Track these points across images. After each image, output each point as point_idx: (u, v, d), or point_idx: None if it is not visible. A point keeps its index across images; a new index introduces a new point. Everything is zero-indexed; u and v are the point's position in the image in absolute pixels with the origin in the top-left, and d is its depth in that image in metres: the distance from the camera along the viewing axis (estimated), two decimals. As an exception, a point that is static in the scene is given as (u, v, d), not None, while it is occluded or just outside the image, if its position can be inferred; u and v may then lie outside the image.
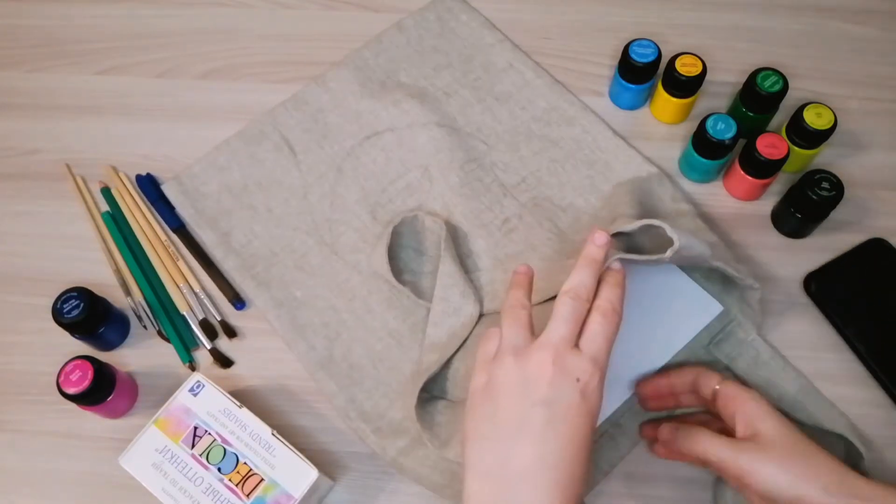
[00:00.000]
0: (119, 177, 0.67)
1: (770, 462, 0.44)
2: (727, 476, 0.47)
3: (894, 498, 0.43)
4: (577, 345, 0.44)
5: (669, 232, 0.48)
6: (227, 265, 0.63)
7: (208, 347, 0.60)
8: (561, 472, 0.41)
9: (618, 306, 0.46)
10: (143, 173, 0.67)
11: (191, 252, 0.63)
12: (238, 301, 0.61)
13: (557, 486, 0.41)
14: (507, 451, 0.42)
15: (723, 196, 0.66)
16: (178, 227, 0.65)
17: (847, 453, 0.53)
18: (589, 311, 0.46)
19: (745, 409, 0.47)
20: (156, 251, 0.63)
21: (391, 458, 0.54)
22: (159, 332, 0.61)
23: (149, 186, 0.66)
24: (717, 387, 0.49)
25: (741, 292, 0.57)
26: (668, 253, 0.47)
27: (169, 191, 0.66)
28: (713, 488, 0.54)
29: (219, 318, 0.61)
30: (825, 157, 0.66)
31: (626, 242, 0.53)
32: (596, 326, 0.45)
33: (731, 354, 0.57)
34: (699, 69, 0.64)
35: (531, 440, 0.42)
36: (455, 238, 0.62)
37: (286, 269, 0.62)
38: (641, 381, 0.55)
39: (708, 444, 0.46)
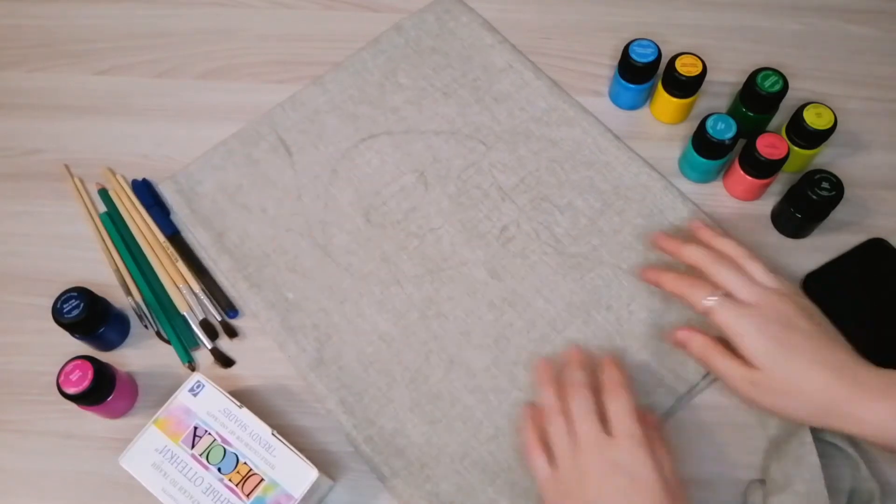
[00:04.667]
0: (116, 178, 0.67)
1: (767, 397, 0.48)
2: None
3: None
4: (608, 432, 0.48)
5: None
6: (220, 266, 0.63)
7: (209, 347, 0.60)
8: None
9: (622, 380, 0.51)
10: (143, 173, 0.67)
11: (183, 260, 0.63)
12: (231, 309, 0.61)
13: None
14: None
15: (723, 196, 0.66)
16: (173, 233, 0.65)
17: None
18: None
19: (738, 343, 0.49)
20: (155, 252, 0.63)
21: (382, 475, 0.55)
22: (158, 334, 0.61)
23: (144, 192, 0.66)
24: (707, 304, 0.50)
25: None
26: None
27: (165, 190, 0.66)
28: (743, 494, 0.54)
29: (219, 319, 0.61)
30: (825, 157, 0.66)
31: None
32: (613, 404, 0.49)
33: None
34: (699, 69, 0.64)
35: None
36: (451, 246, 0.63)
37: (278, 270, 0.62)
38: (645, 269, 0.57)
39: (721, 365, 0.49)
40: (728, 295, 0.50)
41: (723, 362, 0.49)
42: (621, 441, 0.47)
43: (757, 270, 0.51)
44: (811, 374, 0.46)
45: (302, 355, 0.59)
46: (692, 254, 0.53)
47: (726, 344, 0.50)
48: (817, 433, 0.53)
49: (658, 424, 0.53)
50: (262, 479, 0.49)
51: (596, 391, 0.51)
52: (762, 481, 0.54)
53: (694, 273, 0.53)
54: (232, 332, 0.61)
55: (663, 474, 0.46)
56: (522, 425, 0.52)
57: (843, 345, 0.48)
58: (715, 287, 0.50)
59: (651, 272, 0.55)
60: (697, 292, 0.51)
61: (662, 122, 0.69)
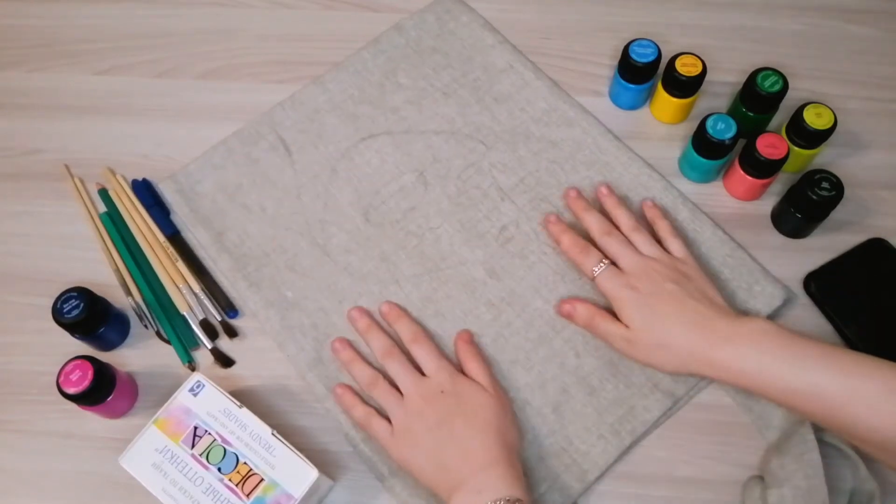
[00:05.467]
0: (116, 178, 0.67)
1: (642, 352, 0.54)
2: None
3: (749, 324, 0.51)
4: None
5: None
6: (220, 265, 0.63)
7: (209, 347, 0.60)
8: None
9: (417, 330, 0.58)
10: (143, 173, 0.67)
11: (183, 259, 0.63)
12: (231, 310, 0.61)
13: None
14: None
15: (723, 196, 0.66)
16: (173, 234, 0.65)
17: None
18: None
19: (617, 308, 0.55)
20: (154, 252, 0.63)
21: (380, 475, 0.55)
22: (158, 334, 0.61)
23: (144, 192, 0.66)
24: (595, 271, 0.57)
25: None
26: None
27: (165, 190, 0.66)
28: (742, 490, 0.54)
29: (219, 319, 0.61)
30: (825, 157, 0.66)
31: None
32: (418, 352, 0.56)
33: None
34: (699, 69, 0.64)
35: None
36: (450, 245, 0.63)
37: (277, 269, 0.62)
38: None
39: (602, 328, 0.56)
40: (613, 264, 0.57)
41: (604, 325, 0.55)
42: (435, 376, 0.54)
43: (641, 241, 0.58)
44: (674, 329, 0.52)
45: (301, 355, 0.59)
46: (589, 221, 0.60)
47: (610, 309, 0.56)
48: (818, 434, 0.53)
49: (469, 339, 0.58)
50: (262, 479, 0.49)
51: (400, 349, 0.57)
52: (760, 478, 0.54)
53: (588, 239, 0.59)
54: (232, 332, 0.61)
55: (481, 382, 0.54)
56: (347, 405, 0.56)
57: (710, 300, 0.54)
58: (603, 255, 0.57)
59: (555, 226, 0.61)
60: (588, 259, 0.58)
61: (662, 122, 0.69)
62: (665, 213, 0.62)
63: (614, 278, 0.56)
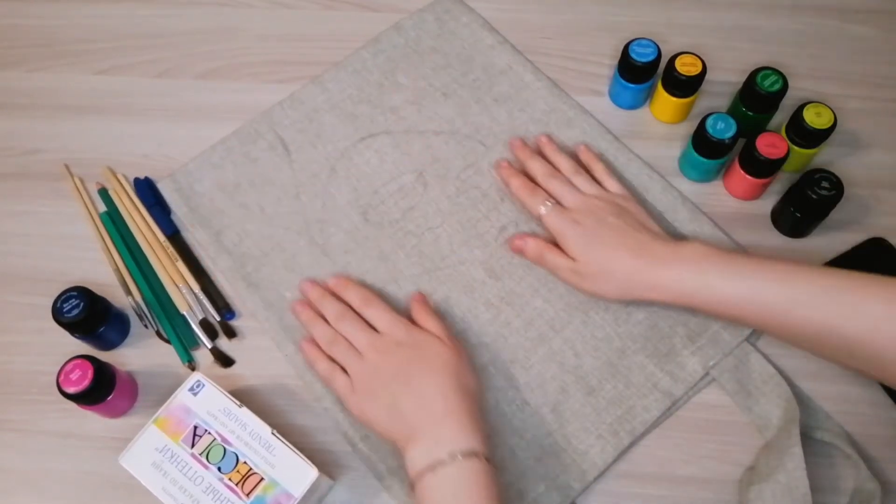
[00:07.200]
0: (116, 178, 0.67)
1: (587, 281, 0.57)
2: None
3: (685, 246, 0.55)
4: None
5: None
6: (219, 265, 0.63)
7: (209, 347, 0.60)
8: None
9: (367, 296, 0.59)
10: (143, 173, 0.68)
11: (183, 259, 0.63)
12: (228, 311, 0.61)
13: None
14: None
15: (723, 196, 0.66)
16: (173, 233, 0.65)
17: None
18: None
19: (563, 242, 0.58)
20: (154, 252, 0.63)
21: (379, 474, 0.55)
22: (158, 333, 0.61)
23: (146, 191, 0.66)
24: (542, 211, 0.60)
25: None
26: None
27: (164, 189, 0.66)
28: (738, 490, 0.54)
29: (218, 319, 0.61)
30: (825, 157, 0.66)
31: None
32: (371, 313, 0.57)
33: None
34: (699, 69, 0.64)
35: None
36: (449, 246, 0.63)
37: (276, 269, 0.62)
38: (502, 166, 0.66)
39: (551, 261, 0.59)
40: (558, 204, 0.60)
41: (552, 258, 0.59)
42: (390, 331, 0.56)
43: (581, 182, 0.61)
44: (616, 256, 0.56)
45: (299, 355, 0.59)
46: (534, 166, 0.63)
47: (557, 245, 0.59)
48: (812, 434, 0.54)
49: (423, 299, 0.60)
50: (262, 479, 0.49)
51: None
52: (754, 468, 0.54)
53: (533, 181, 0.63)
54: (231, 333, 0.61)
55: (436, 334, 0.55)
56: (311, 359, 0.57)
57: (649, 230, 0.57)
58: (548, 196, 0.60)
59: (505, 170, 0.65)
60: (535, 199, 0.61)
61: (662, 121, 0.69)
62: (600, 157, 0.65)
63: (560, 215, 0.59)
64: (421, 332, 0.56)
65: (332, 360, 0.56)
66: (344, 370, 0.55)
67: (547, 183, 0.62)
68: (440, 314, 0.59)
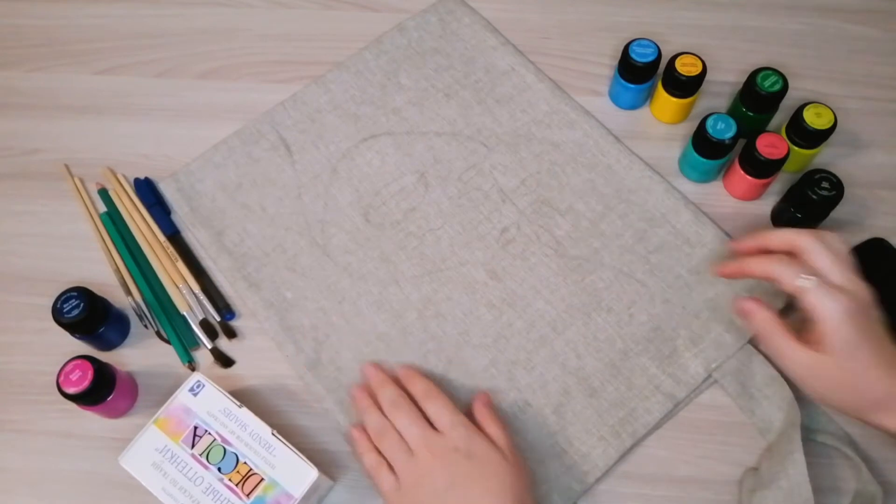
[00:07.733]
0: (117, 178, 0.67)
1: (821, 383, 0.48)
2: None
3: None
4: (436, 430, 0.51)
5: None
6: (220, 265, 0.63)
7: (209, 347, 0.60)
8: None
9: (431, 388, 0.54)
10: (143, 173, 0.67)
11: (183, 259, 0.63)
12: (228, 311, 0.61)
13: None
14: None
15: (723, 196, 0.66)
16: (173, 233, 0.65)
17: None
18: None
19: (821, 326, 0.47)
20: (155, 252, 0.63)
21: None
22: (158, 334, 0.61)
23: (146, 191, 0.66)
24: (802, 284, 0.48)
25: None
26: None
27: (165, 189, 0.66)
28: (738, 491, 0.54)
29: (218, 319, 0.61)
30: (825, 157, 0.66)
31: None
32: (431, 407, 0.52)
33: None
34: (699, 69, 0.64)
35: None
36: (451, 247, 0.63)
37: (277, 269, 0.62)
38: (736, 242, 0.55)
39: (782, 344, 0.49)
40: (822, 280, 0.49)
41: (785, 342, 0.49)
42: (449, 432, 0.50)
43: (836, 259, 0.50)
44: (876, 368, 0.46)
45: (300, 355, 0.59)
46: (764, 264, 0.51)
47: (789, 324, 0.49)
48: (813, 436, 0.53)
49: (488, 402, 0.55)
50: (262, 479, 0.49)
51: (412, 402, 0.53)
52: (754, 469, 0.54)
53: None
54: (231, 333, 0.61)
55: (499, 446, 0.50)
56: (359, 450, 0.53)
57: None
58: (803, 269, 0.49)
59: (731, 267, 0.53)
60: (791, 271, 0.49)
61: (662, 121, 0.69)
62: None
63: (830, 292, 0.47)
64: (483, 441, 0.50)
65: (381, 453, 0.52)
66: (391, 466, 0.51)
67: (809, 255, 0.50)
68: (506, 420, 0.55)
